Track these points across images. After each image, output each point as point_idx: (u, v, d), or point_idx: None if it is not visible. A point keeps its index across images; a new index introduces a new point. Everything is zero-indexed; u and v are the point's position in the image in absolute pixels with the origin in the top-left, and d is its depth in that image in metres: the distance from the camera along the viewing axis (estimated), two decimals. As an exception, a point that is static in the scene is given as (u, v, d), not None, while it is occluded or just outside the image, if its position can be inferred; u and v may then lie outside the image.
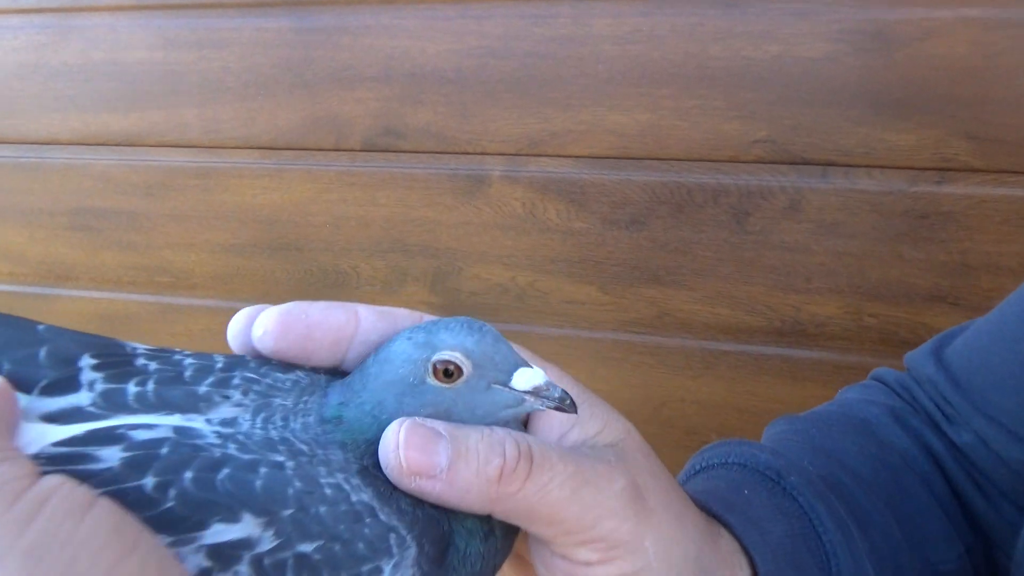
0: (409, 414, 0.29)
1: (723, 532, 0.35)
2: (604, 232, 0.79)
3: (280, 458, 0.27)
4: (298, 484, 0.26)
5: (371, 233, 0.85)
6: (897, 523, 0.42)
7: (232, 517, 0.25)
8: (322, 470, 0.27)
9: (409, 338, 0.29)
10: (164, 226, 0.92)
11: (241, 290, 0.92)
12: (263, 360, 0.31)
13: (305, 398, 0.29)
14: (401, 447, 0.28)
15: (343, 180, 0.85)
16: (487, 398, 0.30)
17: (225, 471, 0.26)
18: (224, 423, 0.28)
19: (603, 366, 0.82)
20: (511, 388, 0.30)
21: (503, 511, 0.29)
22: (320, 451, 0.28)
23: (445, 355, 0.29)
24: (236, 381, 0.29)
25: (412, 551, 0.27)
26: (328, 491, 0.27)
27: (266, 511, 0.26)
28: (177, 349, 0.30)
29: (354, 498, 0.27)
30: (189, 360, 0.30)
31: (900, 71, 0.68)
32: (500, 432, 0.29)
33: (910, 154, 0.70)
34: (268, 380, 0.30)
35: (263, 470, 0.26)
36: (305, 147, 0.85)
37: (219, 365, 0.30)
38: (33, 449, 0.25)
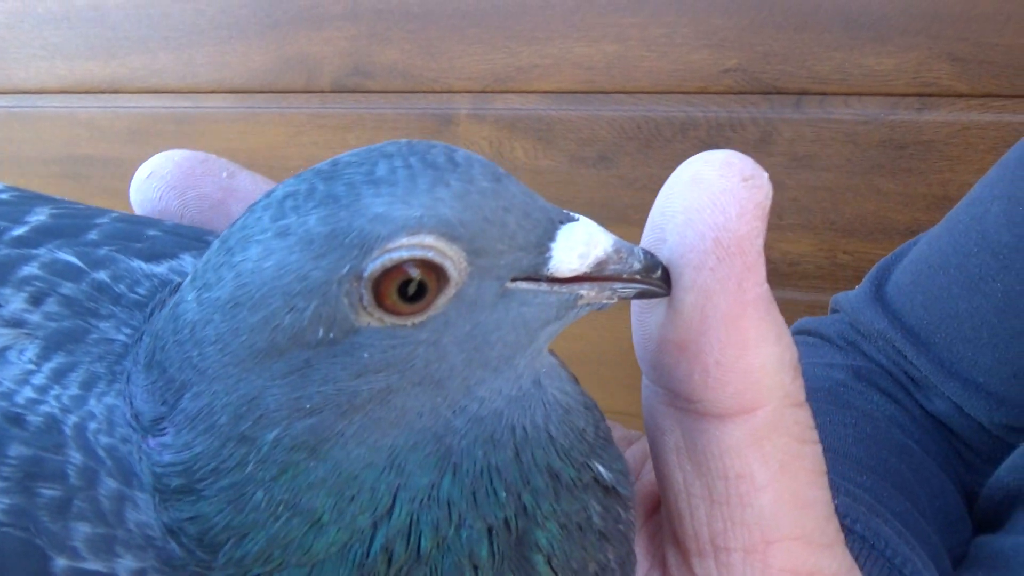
0: (327, 415, 0.13)
1: None
2: (571, 170, 0.76)
3: None
4: None
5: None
6: (924, 518, 0.33)
7: None
8: None
9: (281, 229, 0.13)
10: (148, 173, 0.92)
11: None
12: (135, 225, 0.17)
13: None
14: None
15: (314, 123, 0.83)
16: (506, 317, 0.14)
17: None
18: None
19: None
20: (551, 277, 0.15)
21: None
22: (125, 516, 0.12)
23: (401, 253, 0.13)
24: (30, 270, 0.15)
25: None
26: None
27: None
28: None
29: None
30: None
31: (875, -12, 0.64)
32: None
33: (888, 79, 0.65)
34: (103, 275, 0.15)
35: None
36: (277, 89, 0.84)
37: (20, 229, 0.16)
38: None
